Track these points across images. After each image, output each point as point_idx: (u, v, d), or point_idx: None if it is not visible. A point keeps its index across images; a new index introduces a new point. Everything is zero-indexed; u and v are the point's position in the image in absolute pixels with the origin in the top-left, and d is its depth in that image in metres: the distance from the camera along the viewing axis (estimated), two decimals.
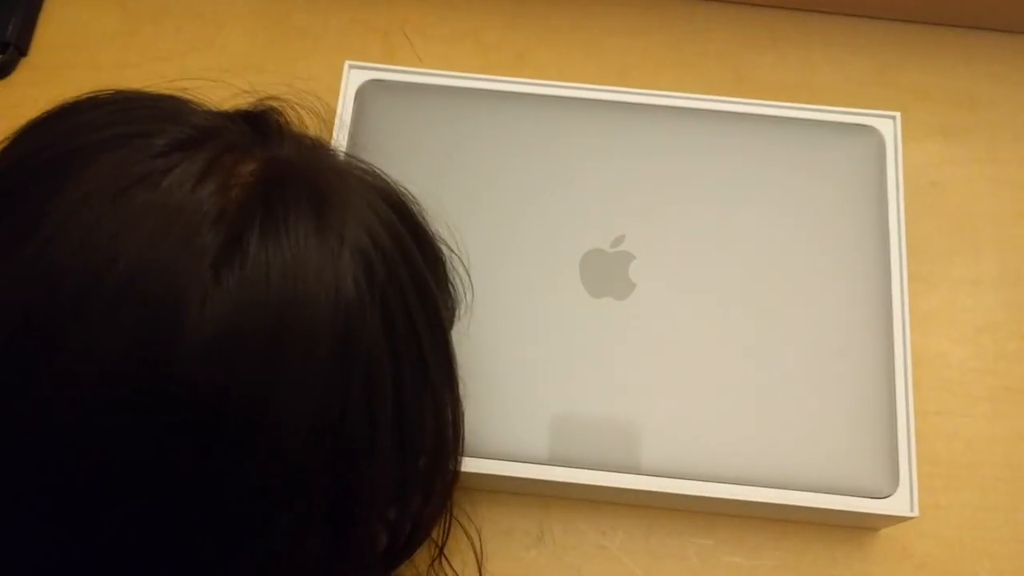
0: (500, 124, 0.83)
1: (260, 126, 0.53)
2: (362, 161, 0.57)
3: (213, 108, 0.55)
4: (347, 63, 0.85)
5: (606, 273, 0.78)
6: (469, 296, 0.68)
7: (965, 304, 0.88)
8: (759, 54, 0.97)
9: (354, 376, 0.48)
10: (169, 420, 0.43)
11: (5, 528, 0.45)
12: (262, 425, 0.45)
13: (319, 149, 0.55)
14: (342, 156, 0.57)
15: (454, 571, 0.70)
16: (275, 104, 0.57)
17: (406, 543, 0.61)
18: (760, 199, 0.81)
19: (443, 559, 0.68)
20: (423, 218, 0.59)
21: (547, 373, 0.76)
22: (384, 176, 0.58)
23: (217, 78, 0.61)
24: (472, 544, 0.73)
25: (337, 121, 0.83)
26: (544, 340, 0.77)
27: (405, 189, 0.58)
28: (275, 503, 0.47)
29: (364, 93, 0.84)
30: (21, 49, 0.95)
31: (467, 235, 0.78)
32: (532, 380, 0.76)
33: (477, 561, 0.75)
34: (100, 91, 0.53)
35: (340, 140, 0.83)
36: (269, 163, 0.49)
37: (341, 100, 0.84)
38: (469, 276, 0.67)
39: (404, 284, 0.52)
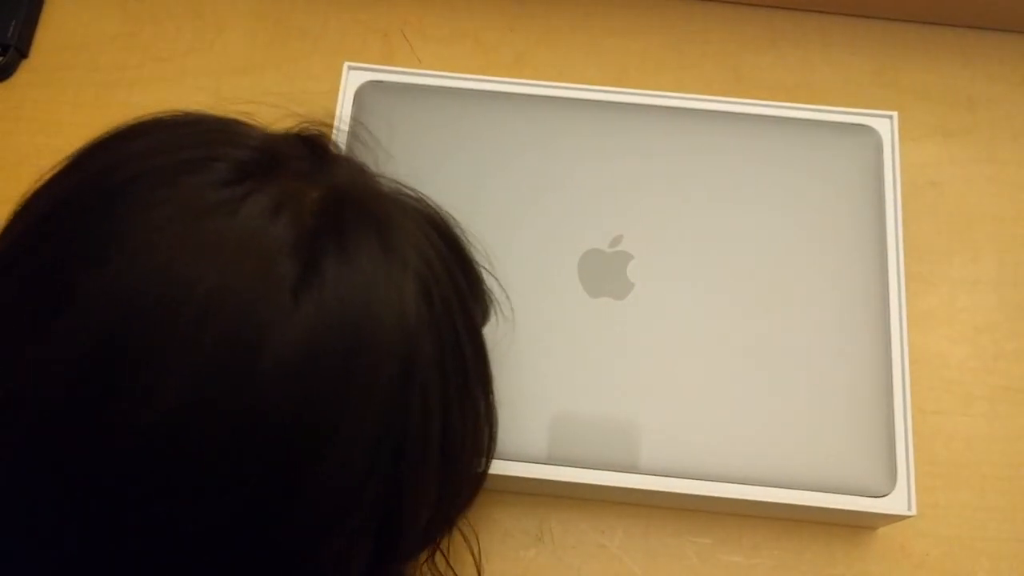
0: (499, 125, 0.83)
1: (316, 150, 0.55)
2: (406, 185, 0.59)
3: (268, 131, 0.57)
4: (346, 64, 0.86)
5: (604, 273, 0.79)
6: (507, 310, 0.71)
7: (964, 304, 0.88)
8: (758, 54, 0.97)
9: (414, 395, 0.50)
10: (244, 439, 0.45)
11: (74, 537, 0.46)
12: (333, 443, 0.47)
13: (367, 173, 0.57)
14: (387, 180, 0.58)
15: (452, 571, 0.70)
16: (321, 128, 0.59)
17: (428, 538, 0.62)
18: (758, 199, 0.81)
19: (441, 558, 0.68)
20: (464, 239, 0.61)
21: (546, 373, 0.76)
22: (427, 200, 0.60)
23: (258, 100, 0.63)
24: (470, 545, 0.73)
25: (336, 122, 0.83)
26: (543, 340, 0.77)
27: (446, 212, 0.60)
28: (337, 517, 0.49)
29: (363, 94, 0.85)
30: (22, 51, 0.96)
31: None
32: (531, 380, 0.76)
33: (475, 561, 0.75)
34: (164, 112, 0.56)
35: (339, 142, 0.83)
36: (333, 190, 0.50)
37: (340, 101, 0.84)
38: (507, 293, 0.69)
39: (452, 304, 0.54)
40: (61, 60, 0.96)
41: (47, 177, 0.52)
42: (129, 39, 0.97)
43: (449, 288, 0.54)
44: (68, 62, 0.96)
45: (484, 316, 0.65)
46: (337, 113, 0.84)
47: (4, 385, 0.45)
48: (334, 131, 0.81)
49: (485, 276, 0.64)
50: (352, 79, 0.85)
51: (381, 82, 0.85)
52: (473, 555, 0.75)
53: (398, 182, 0.58)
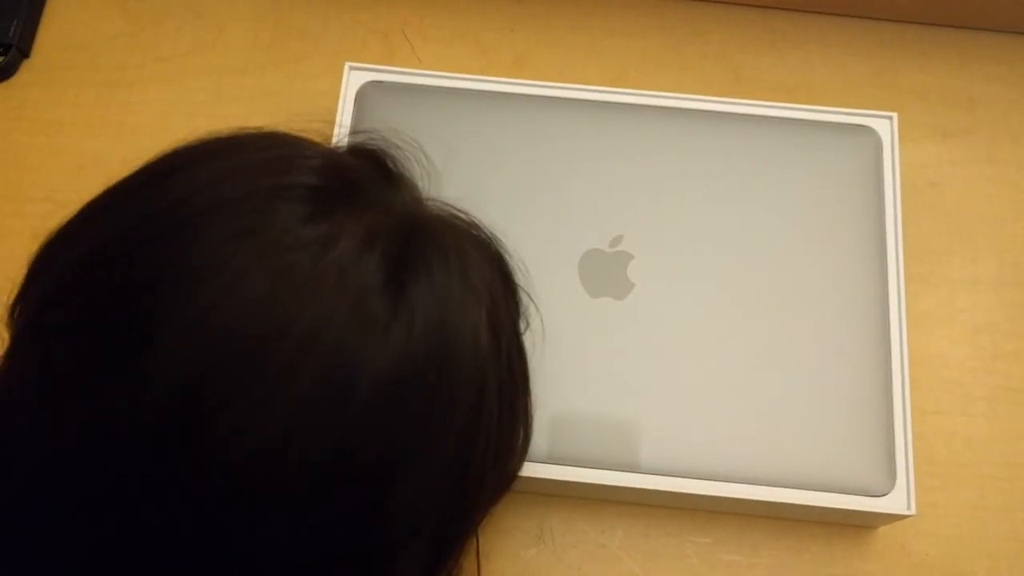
0: (499, 125, 0.83)
1: (382, 169, 0.56)
2: (453, 206, 0.59)
3: (327, 149, 0.58)
4: (347, 64, 0.86)
5: (605, 273, 0.79)
6: (536, 323, 0.71)
7: (963, 304, 0.88)
8: (758, 55, 0.98)
9: (482, 420, 0.52)
10: (332, 472, 0.45)
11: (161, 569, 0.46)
12: (414, 469, 0.48)
13: (421, 194, 0.58)
14: (438, 202, 0.58)
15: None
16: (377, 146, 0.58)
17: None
18: (758, 199, 0.82)
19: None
20: (508, 259, 0.61)
21: (547, 372, 0.75)
22: (474, 219, 0.60)
23: (303, 127, 0.62)
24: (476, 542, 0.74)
25: (337, 123, 0.83)
26: (543, 340, 0.76)
27: (492, 232, 0.61)
28: (411, 534, 0.50)
29: (364, 94, 0.85)
30: (23, 51, 0.96)
31: None
32: (532, 380, 0.75)
33: (477, 558, 0.75)
34: (224, 131, 0.57)
35: (340, 142, 0.83)
36: (409, 219, 0.51)
37: (341, 102, 0.84)
38: (537, 307, 0.69)
39: (508, 329, 0.56)
40: (62, 60, 0.97)
41: (112, 189, 0.53)
42: (130, 39, 0.98)
43: (504, 313, 0.56)
44: (69, 62, 0.96)
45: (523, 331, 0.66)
46: (338, 114, 0.84)
47: (79, 422, 0.44)
48: (335, 131, 0.82)
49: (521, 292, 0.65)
50: (353, 79, 0.85)
51: (381, 82, 0.85)
52: (476, 552, 0.75)
53: (448, 204, 0.59)
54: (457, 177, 0.81)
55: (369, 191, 0.52)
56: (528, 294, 0.66)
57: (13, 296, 0.52)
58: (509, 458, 0.60)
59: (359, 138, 0.59)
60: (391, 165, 0.57)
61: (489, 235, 0.60)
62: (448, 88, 0.85)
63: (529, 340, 0.75)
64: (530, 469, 0.74)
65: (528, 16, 0.99)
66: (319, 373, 0.44)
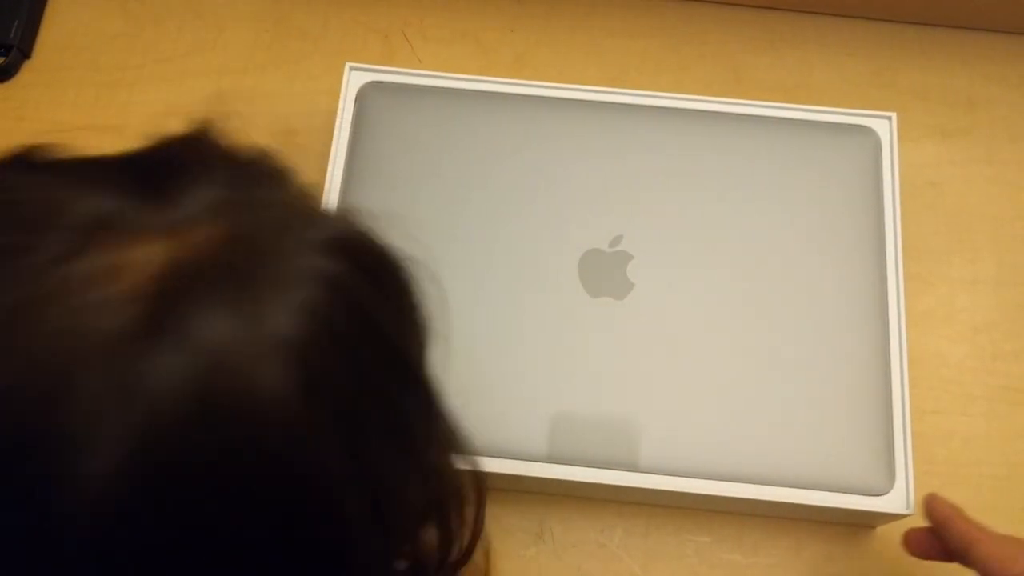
0: (499, 125, 0.84)
1: (168, 175, 0.46)
2: (311, 195, 0.52)
3: (110, 154, 0.49)
4: (348, 65, 0.86)
5: (604, 273, 0.79)
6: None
7: (963, 304, 0.89)
8: (757, 55, 0.98)
9: (315, 456, 0.44)
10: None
11: None
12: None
13: (253, 186, 0.48)
14: (289, 185, 0.50)
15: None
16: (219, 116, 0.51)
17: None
18: (757, 199, 0.82)
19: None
20: (390, 255, 0.51)
21: (547, 372, 0.77)
22: (340, 213, 0.54)
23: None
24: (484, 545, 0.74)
25: (337, 123, 0.84)
26: (544, 339, 0.77)
27: (370, 231, 0.50)
28: None
29: (365, 95, 0.85)
30: (24, 51, 0.96)
31: (467, 236, 0.80)
32: (532, 379, 0.76)
33: (486, 560, 0.75)
34: None
35: (341, 142, 0.83)
36: (176, 249, 0.42)
37: (342, 102, 0.85)
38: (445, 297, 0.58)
39: (355, 349, 0.46)
40: (63, 60, 0.97)
41: None
42: (130, 39, 0.98)
43: (357, 334, 0.46)
44: (70, 62, 0.97)
45: (422, 341, 0.56)
46: (338, 114, 0.84)
47: None
48: (335, 131, 0.81)
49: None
50: (353, 80, 0.86)
51: (382, 83, 0.86)
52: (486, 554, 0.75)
53: (304, 192, 0.51)
54: (457, 177, 0.82)
55: (124, 220, 0.43)
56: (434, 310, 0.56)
57: None
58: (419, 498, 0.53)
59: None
60: (200, 157, 0.49)
61: (360, 232, 0.50)
62: (448, 88, 0.86)
63: (519, 341, 0.76)
64: (531, 468, 0.75)
65: (528, 16, 0.99)
66: (34, 443, 0.39)
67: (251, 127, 0.92)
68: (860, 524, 0.81)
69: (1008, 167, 0.94)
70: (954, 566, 0.80)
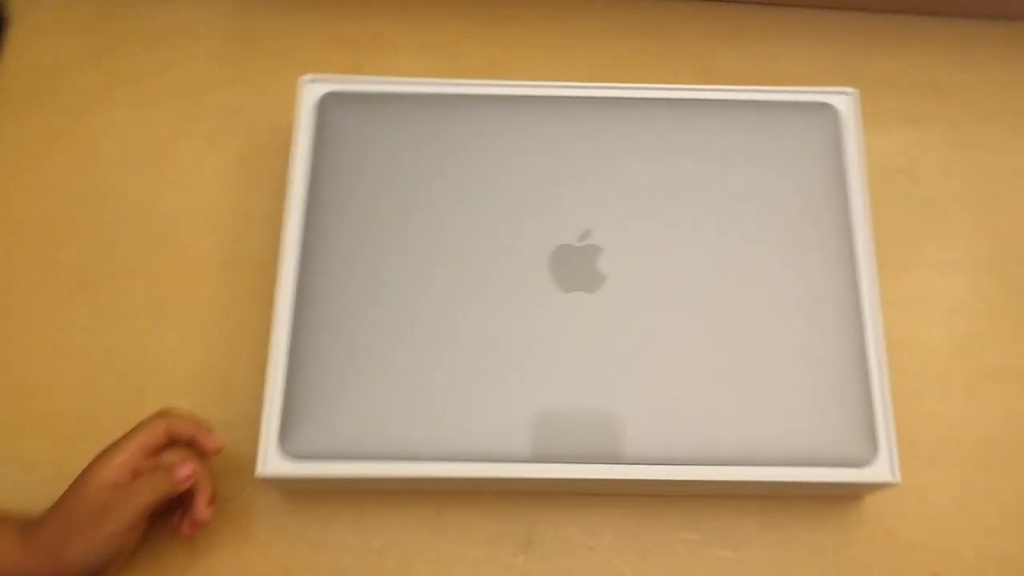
0: (463, 127, 0.85)
1: None
2: None
3: None
4: (303, 77, 0.87)
5: (576, 268, 0.80)
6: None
7: (938, 287, 0.92)
8: (725, 50, 1.01)
9: None
10: None
11: None
12: None
13: None
14: None
15: None
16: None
17: None
18: (723, 182, 0.84)
19: None
20: None
21: (525, 371, 0.78)
22: None
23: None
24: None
25: (295, 136, 0.85)
26: (519, 338, 0.79)
27: None
28: None
29: (324, 106, 0.86)
30: None
31: (436, 240, 0.81)
32: (511, 379, 0.77)
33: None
34: None
35: (299, 156, 0.85)
36: None
37: (297, 115, 0.86)
38: None
39: None
40: (26, 87, 0.99)
41: None
42: (94, 63, 1.00)
43: None
44: (33, 88, 0.99)
45: None
46: (295, 127, 0.86)
47: None
48: (293, 146, 0.83)
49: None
50: (310, 92, 0.87)
51: (343, 92, 0.87)
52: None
53: None
54: (424, 181, 0.83)
55: None
56: None
57: None
58: None
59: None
60: None
61: None
62: (409, 94, 0.87)
63: (495, 342, 0.77)
64: (515, 469, 0.76)
65: (495, 22, 1.02)
66: None
67: (221, 145, 0.95)
68: (848, 496, 0.84)
69: (977, 150, 0.97)
70: (942, 546, 0.83)
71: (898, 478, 0.76)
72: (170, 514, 0.79)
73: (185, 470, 0.76)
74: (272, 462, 0.76)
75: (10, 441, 0.86)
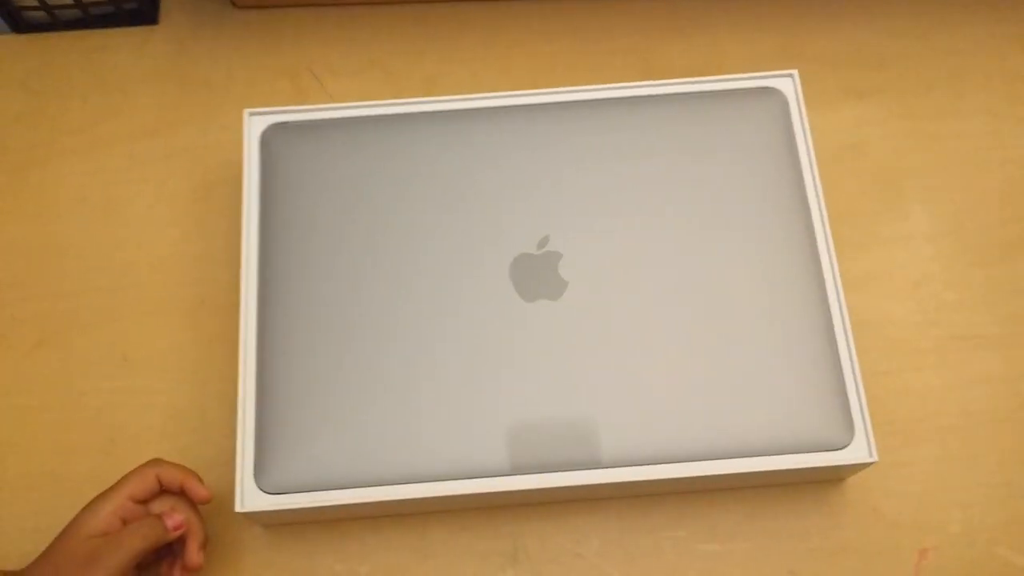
0: (410, 145, 0.85)
1: None
2: None
3: None
4: (246, 111, 0.88)
5: (537, 276, 0.81)
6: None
7: (899, 261, 0.92)
8: (666, 44, 1.02)
9: None
10: None
11: None
12: None
13: None
14: None
15: None
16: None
17: None
18: (676, 176, 0.84)
19: None
20: None
21: (496, 385, 0.78)
22: None
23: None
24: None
25: (245, 170, 0.86)
26: (487, 352, 0.79)
27: None
28: None
29: (268, 138, 0.87)
30: None
31: (393, 260, 0.81)
32: (483, 394, 0.78)
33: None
34: None
35: (251, 189, 0.85)
36: None
37: (245, 149, 0.86)
38: None
39: None
40: None
41: None
42: (36, 116, 1.00)
43: None
44: None
45: None
46: (244, 160, 0.86)
47: None
48: (244, 181, 0.83)
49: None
50: (254, 124, 0.87)
51: (286, 123, 0.87)
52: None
53: None
54: (378, 203, 0.83)
55: None
56: None
57: None
58: None
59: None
60: None
61: None
62: (353, 118, 0.88)
63: (462, 358, 0.77)
64: (495, 484, 0.76)
65: (434, 38, 1.02)
66: None
67: (171, 187, 0.94)
68: (829, 480, 0.84)
69: (925, 119, 0.98)
70: (927, 521, 0.83)
71: (876, 457, 0.77)
72: (158, 563, 0.79)
73: (176, 519, 0.76)
74: (250, 498, 0.76)
75: None
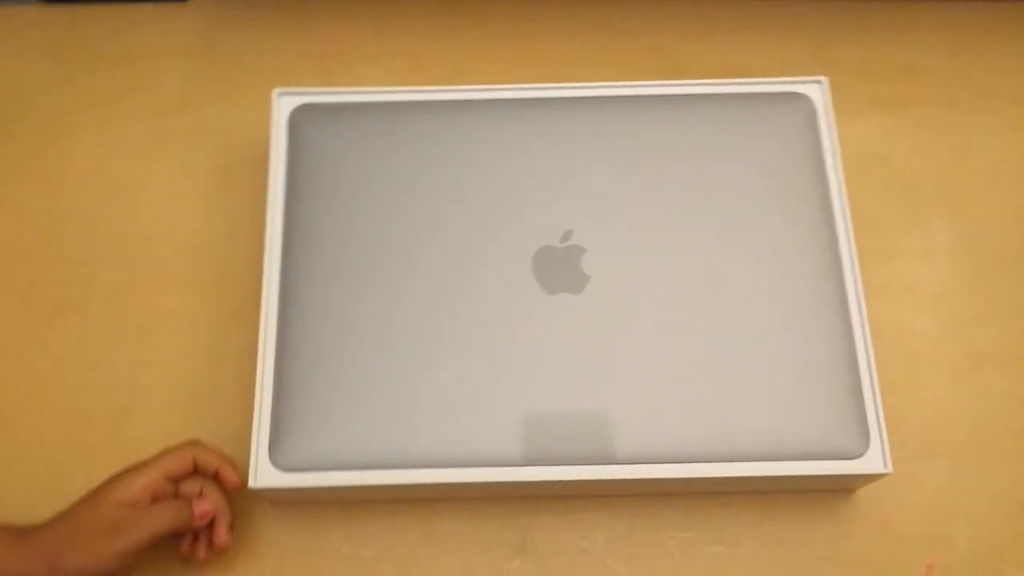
0: (437, 133, 0.86)
1: None
2: None
3: None
4: (275, 90, 0.88)
5: (559, 269, 0.81)
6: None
7: (920, 274, 0.92)
8: (695, 44, 1.02)
9: None
10: None
11: None
12: None
13: None
14: None
15: None
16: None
17: None
18: (702, 177, 0.84)
19: None
20: None
21: (513, 375, 0.78)
22: None
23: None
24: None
25: (271, 150, 0.86)
26: (506, 342, 0.79)
27: None
28: None
29: (296, 119, 0.87)
30: None
31: (417, 248, 0.82)
32: (500, 384, 0.78)
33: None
34: None
35: (277, 169, 0.86)
36: None
37: (273, 129, 0.87)
38: None
39: None
40: None
41: None
42: (65, 87, 1.00)
43: None
44: (4, 112, 0.99)
45: None
46: (271, 141, 0.86)
47: None
48: (270, 160, 0.83)
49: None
50: (283, 104, 0.88)
51: (313, 104, 0.88)
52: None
53: None
54: (402, 189, 0.84)
55: None
56: None
57: None
58: None
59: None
60: None
61: None
62: (381, 103, 0.88)
63: (481, 347, 0.78)
64: (506, 474, 0.76)
65: (461, 28, 1.03)
66: None
67: (194, 164, 0.95)
68: (840, 489, 0.84)
69: (952, 133, 0.98)
70: (935, 534, 0.83)
71: (891, 468, 0.77)
72: (177, 540, 0.80)
73: (204, 507, 0.77)
74: (263, 474, 0.77)
75: None
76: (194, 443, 0.79)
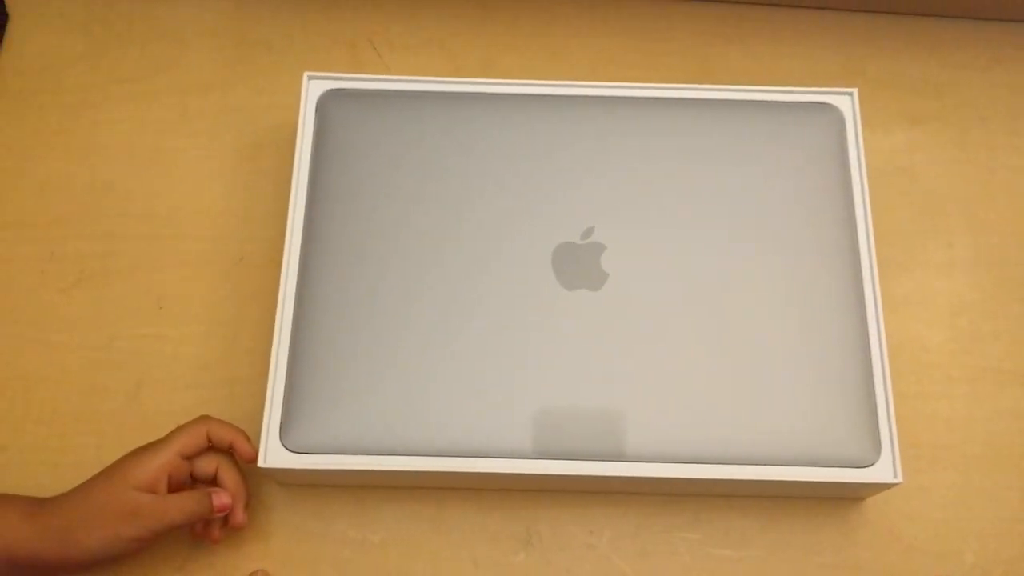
0: (463, 125, 0.86)
1: None
2: None
3: None
4: (306, 74, 0.89)
5: (579, 265, 0.81)
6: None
7: (939, 287, 0.93)
8: (725, 49, 1.02)
9: None
10: None
11: None
12: None
13: None
14: None
15: None
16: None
17: None
18: (726, 181, 0.85)
19: None
20: None
21: (528, 368, 0.78)
22: None
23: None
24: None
25: (299, 134, 0.86)
26: (521, 335, 0.79)
27: None
28: None
29: (325, 103, 0.88)
30: None
31: (437, 238, 0.82)
32: (514, 376, 0.78)
33: None
34: None
35: (303, 152, 0.86)
36: None
37: (301, 112, 0.87)
38: None
39: None
40: (25, 84, 1.00)
41: None
42: (94, 61, 1.01)
43: None
44: (32, 86, 1.00)
45: None
46: (299, 124, 0.87)
47: None
48: (297, 143, 0.83)
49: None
50: (313, 89, 0.88)
51: (343, 90, 0.88)
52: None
53: None
54: (426, 179, 0.84)
55: None
56: None
57: None
58: None
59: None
60: None
61: None
62: (410, 91, 0.88)
63: (498, 339, 0.78)
64: (516, 466, 0.77)
65: (494, 21, 1.03)
66: None
67: (220, 143, 0.95)
68: (849, 497, 0.84)
69: (978, 150, 0.98)
70: (943, 548, 0.83)
71: (901, 479, 0.77)
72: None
73: (223, 499, 0.77)
74: (274, 454, 0.77)
75: (9, 433, 0.86)
76: (206, 419, 0.79)
